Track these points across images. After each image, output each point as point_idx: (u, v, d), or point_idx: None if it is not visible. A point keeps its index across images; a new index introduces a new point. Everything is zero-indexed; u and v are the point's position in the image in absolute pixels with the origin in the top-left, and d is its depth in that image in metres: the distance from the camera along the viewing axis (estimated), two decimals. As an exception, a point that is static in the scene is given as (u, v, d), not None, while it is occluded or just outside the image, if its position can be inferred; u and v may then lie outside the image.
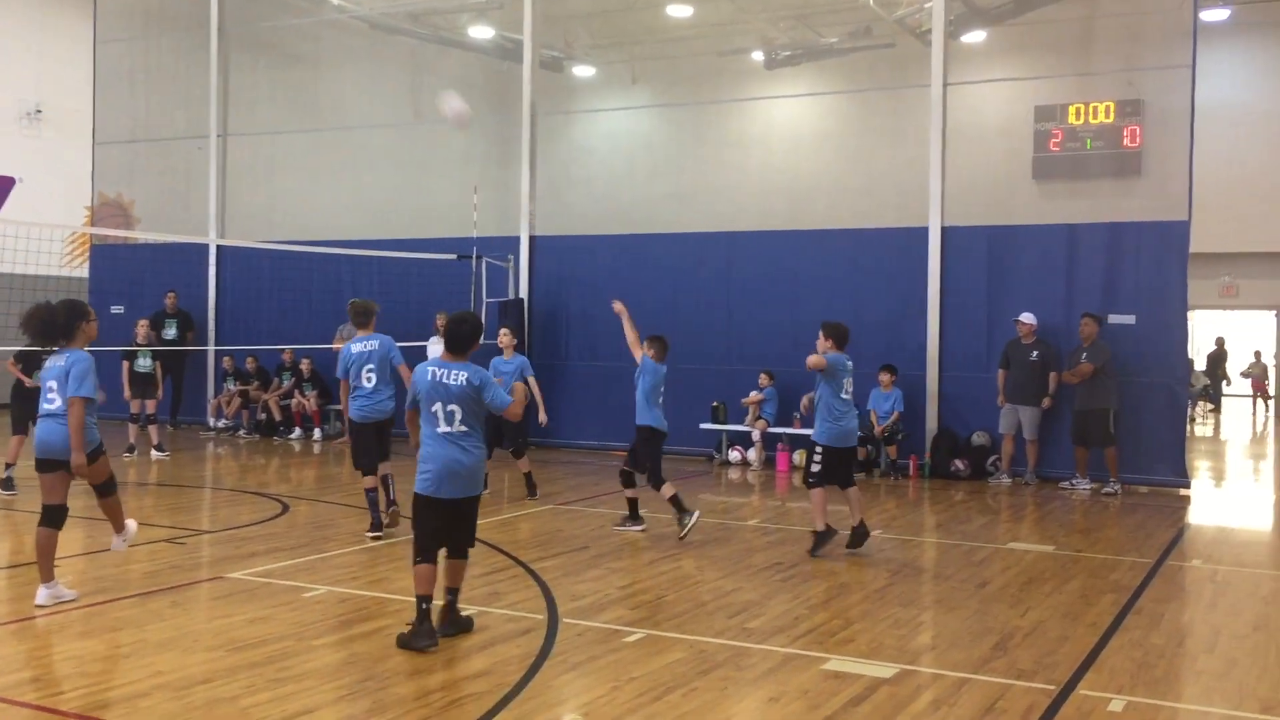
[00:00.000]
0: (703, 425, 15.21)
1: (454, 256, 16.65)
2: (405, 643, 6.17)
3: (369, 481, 9.54)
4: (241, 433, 17.69)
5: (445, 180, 17.82)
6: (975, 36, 15.41)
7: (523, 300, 16.82)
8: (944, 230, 14.43)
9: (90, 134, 20.75)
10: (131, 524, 7.56)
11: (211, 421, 18.41)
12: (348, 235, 17.77)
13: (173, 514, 10.56)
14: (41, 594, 6.97)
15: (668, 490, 9.68)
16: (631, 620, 6.96)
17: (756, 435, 14.77)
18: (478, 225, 16.55)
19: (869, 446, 14.21)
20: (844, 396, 9.36)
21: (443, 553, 6.47)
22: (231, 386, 18.15)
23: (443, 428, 6.32)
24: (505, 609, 7.19)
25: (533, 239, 17.01)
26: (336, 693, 5.50)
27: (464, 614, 6.62)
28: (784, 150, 15.90)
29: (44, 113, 22.80)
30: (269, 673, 5.76)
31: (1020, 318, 13.48)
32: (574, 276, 16.69)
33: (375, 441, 9.56)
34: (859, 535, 9.20)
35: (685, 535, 9.49)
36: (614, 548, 9.31)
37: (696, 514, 9.63)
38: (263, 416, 17.71)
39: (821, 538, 9.06)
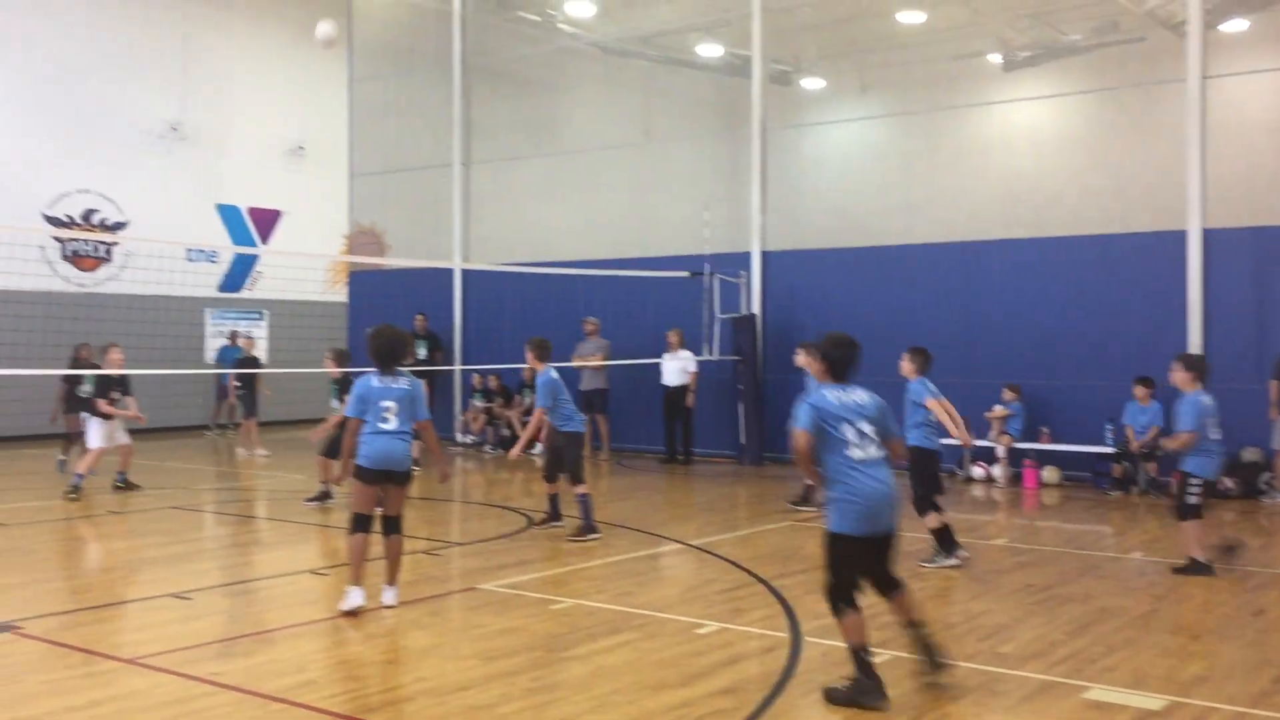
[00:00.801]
0: (944, 440, 14.73)
1: (687, 274, 16.83)
2: None
3: (582, 489, 10.36)
4: (486, 448, 18.39)
5: (677, 198, 18.06)
6: (1236, 25, 14.43)
7: (755, 315, 16.81)
8: (1205, 233, 13.55)
9: (347, 167, 22.14)
10: None
11: (458, 437, 19.24)
12: (583, 255, 18.25)
13: (429, 526, 11.08)
14: (358, 596, 7.38)
15: (933, 521, 9.05)
16: (876, 641, 6.75)
17: (1001, 451, 14.23)
18: (709, 242, 16.69)
19: (1126, 463, 13.46)
20: (1214, 431, 8.88)
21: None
22: (477, 403, 18.92)
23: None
24: (747, 626, 7.18)
25: (764, 254, 17.00)
26: (587, 703, 5.62)
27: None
28: (1025, 155, 15.30)
29: (305, 149, 24.49)
30: (522, 682, 5.94)
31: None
32: (807, 291, 16.57)
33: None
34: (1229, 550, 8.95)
35: (930, 566, 9.06)
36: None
37: (954, 559, 9.02)
38: (506, 432, 18.37)
39: (1200, 567, 8.70)
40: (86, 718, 5.38)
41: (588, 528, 10.25)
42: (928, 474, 9.17)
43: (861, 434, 5.80)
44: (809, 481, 11.38)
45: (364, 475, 7.52)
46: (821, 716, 5.55)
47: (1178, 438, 8.87)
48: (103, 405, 12.84)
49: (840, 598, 5.72)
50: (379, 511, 7.62)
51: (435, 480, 8.17)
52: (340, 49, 21.73)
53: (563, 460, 10.55)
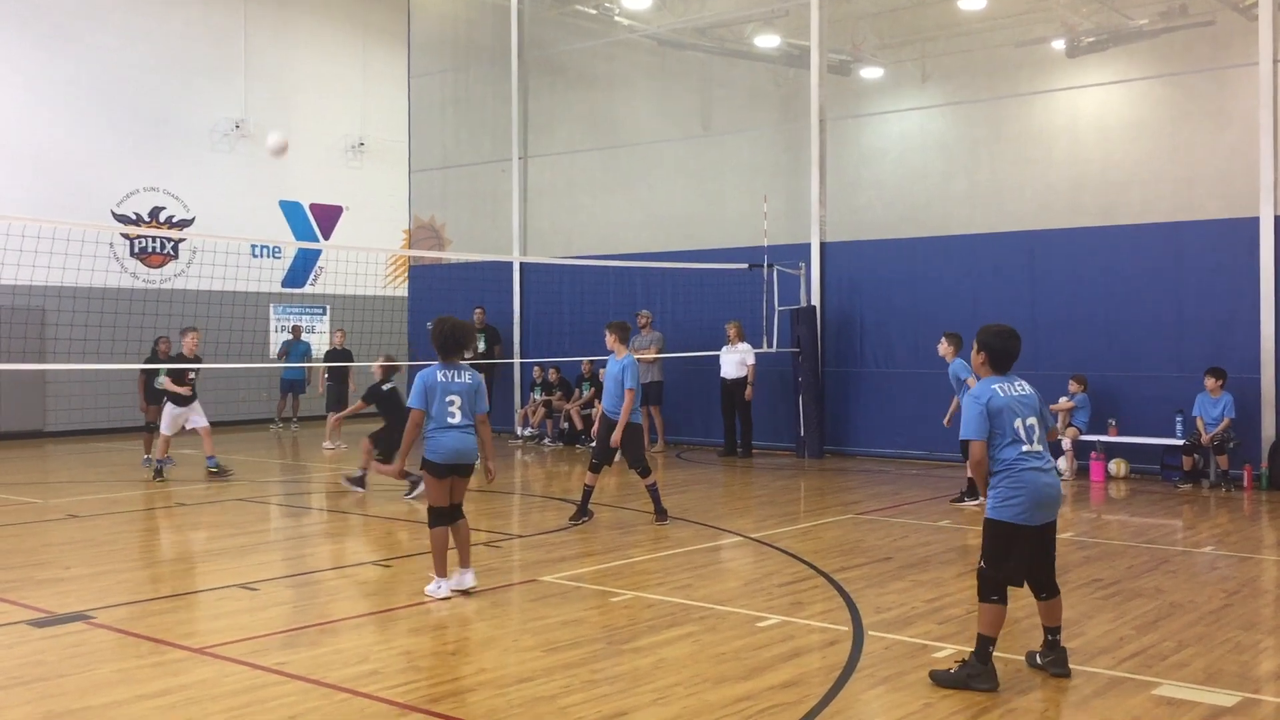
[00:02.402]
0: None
1: (745, 266, 16.76)
2: None
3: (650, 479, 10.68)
4: (546, 441, 18.47)
5: (735, 190, 17.98)
6: (1310, 5, 14.02)
7: (815, 307, 16.70)
8: (1278, 220, 13.24)
9: (406, 162, 22.33)
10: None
11: (518, 430, 19.34)
12: (641, 248, 18.25)
13: (488, 519, 11.14)
14: (445, 586, 7.63)
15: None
16: (940, 635, 6.73)
17: (1067, 444, 14.00)
18: (768, 234, 16.60)
19: (1196, 455, 13.20)
20: None
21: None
22: (537, 397, 19.00)
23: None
24: (809, 619, 7.13)
25: (823, 245, 16.88)
26: (649, 695, 5.61)
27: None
28: (1091, 142, 15.02)
29: (366, 145, 24.75)
30: (583, 674, 5.95)
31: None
32: (866, 282, 16.43)
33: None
34: None
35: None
36: (918, 559, 9.05)
37: None
38: (565, 426, 18.42)
39: None
40: (156, 706, 5.47)
41: (660, 512, 10.61)
42: None
43: (1029, 427, 5.77)
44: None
45: (436, 470, 7.60)
46: (884, 710, 5.49)
47: None
48: (169, 383, 13.51)
49: (992, 587, 5.75)
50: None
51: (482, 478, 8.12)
52: (397, 46, 21.86)
53: (627, 451, 10.55)
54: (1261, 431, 13.24)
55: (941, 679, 5.74)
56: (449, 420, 7.56)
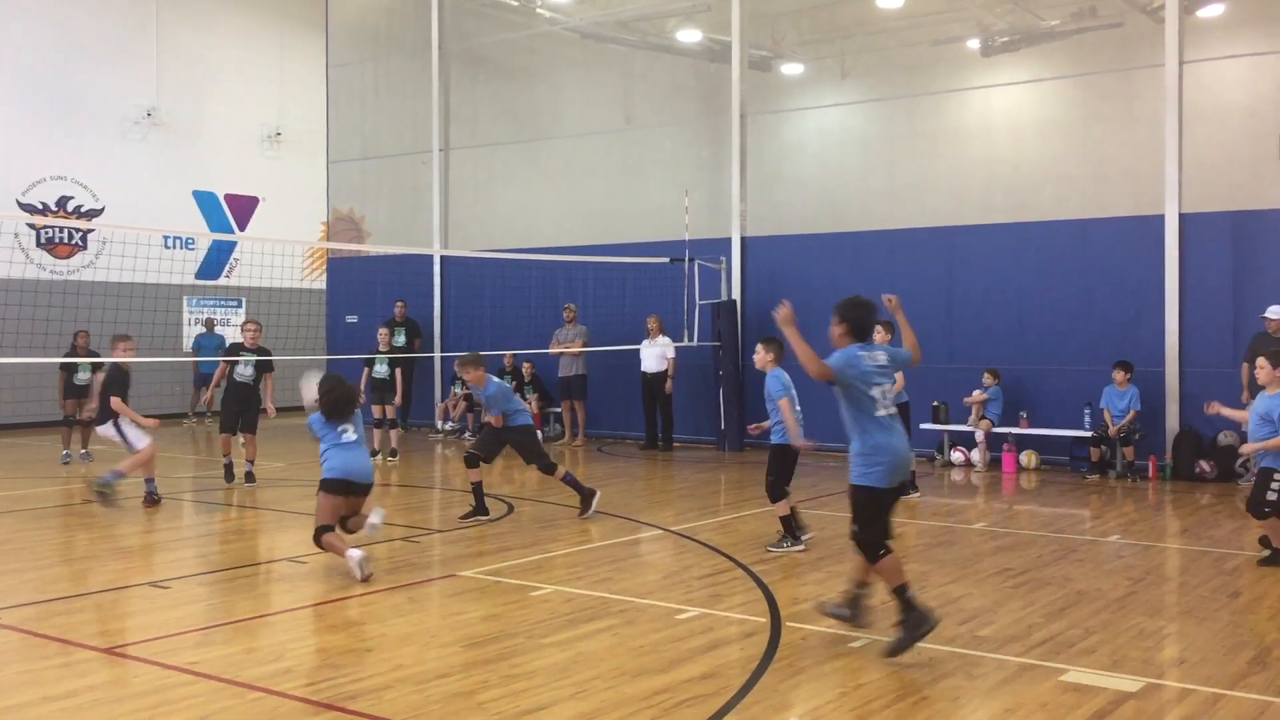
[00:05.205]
0: (923, 425, 14.83)
1: (667, 260, 16.81)
2: None
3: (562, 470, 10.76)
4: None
5: (657, 184, 18.02)
6: (1213, 10, 14.46)
7: (735, 301, 16.81)
8: (1182, 217, 13.64)
9: (325, 153, 22.00)
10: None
11: (439, 424, 19.19)
12: (563, 241, 18.21)
13: (407, 513, 11.05)
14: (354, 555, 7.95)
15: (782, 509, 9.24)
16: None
17: (980, 436, 14.29)
18: (689, 228, 16.66)
19: (1103, 447, 13.54)
20: None
21: None
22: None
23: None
24: (727, 611, 7.18)
25: (744, 240, 17.00)
26: (568, 690, 5.61)
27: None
28: (1005, 140, 15.32)
29: (283, 135, 24.32)
30: (502, 669, 5.93)
31: (1268, 312, 12.47)
32: (787, 276, 16.58)
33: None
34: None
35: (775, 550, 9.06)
36: (835, 551, 9.17)
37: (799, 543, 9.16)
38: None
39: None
40: (63, 708, 5.33)
41: (585, 496, 10.61)
42: None
43: (885, 393, 6.25)
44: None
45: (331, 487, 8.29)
46: (801, 700, 5.56)
47: (1271, 441, 8.43)
48: (117, 404, 11.49)
49: (879, 544, 6.18)
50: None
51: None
52: (315, 35, 21.59)
53: (527, 452, 10.67)
54: (1166, 423, 13.64)
55: (897, 647, 6.02)
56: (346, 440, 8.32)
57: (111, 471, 11.19)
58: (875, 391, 6.20)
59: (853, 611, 6.54)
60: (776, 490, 9.26)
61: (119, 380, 11.62)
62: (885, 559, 6.16)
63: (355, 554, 7.89)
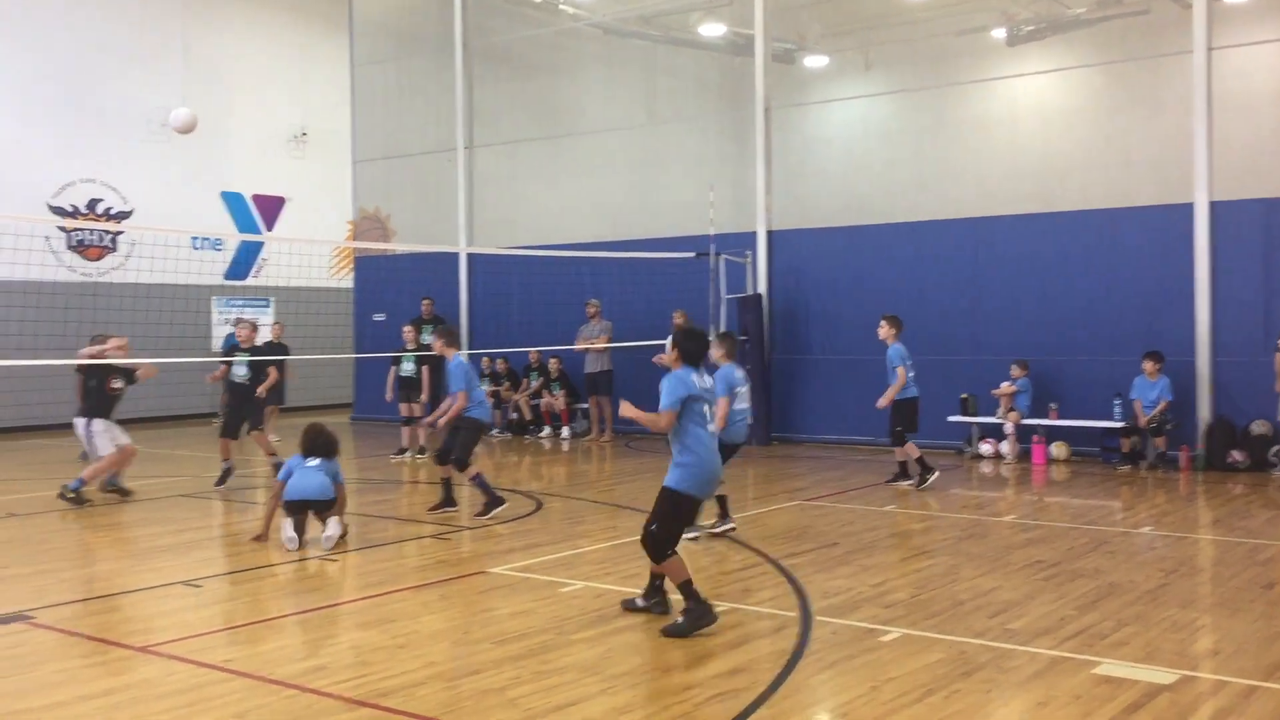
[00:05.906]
0: (951, 418, 14.78)
1: (692, 255, 16.79)
2: None
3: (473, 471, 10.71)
4: (494, 432, 18.39)
5: (681, 179, 18.01)
6: (1242, -5, 14.29)
7: (761, 295, 16.78)
8: (1212, 205, 13.51)
9: (350, 153, 22.10)
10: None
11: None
12: (588, 238, 18.23)
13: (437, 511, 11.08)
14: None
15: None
16: (887, 619, 6.82)
17: (1009, 428, 14.21)
18: (714, 222, 16.64)
19: (1134, 438, 13.44)
20: None
21: None
22: (485, 387, 18.89)
23: None
24: (757, 605, 7.18)
25: (770, 234, 16.97)
26: (598, 686, 5.62)
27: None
28: (1031, 130, 15.21)
29: (309, 135, 24.45)
30: (533, 665, 5.95)
31: (1301, 297, 12.38)
32: (812, 270, 16.55)
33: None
34: None
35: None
36: (864, 544, 9.15)
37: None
38: (514, 416, 18.36)
39: None
40: (100, 705, 5.40)
41: (494, 501, 10.49)
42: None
43: (711, 413, 6.84)
44: (901, 459, 12.21)
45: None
46: (831, 695, 5.56)
47: None
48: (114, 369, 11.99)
49: (669, 546, 6.71)
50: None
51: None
52: (339, 35, 21.62)
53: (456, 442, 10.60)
54: (1197, 413, 13.53)
55: (674, 631, 6.46)
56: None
57: (76, 479, 11.67)
58: (706, 409, 6.75)
59: (653, 600, 6.97)
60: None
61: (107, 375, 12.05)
62: (671, 559, 6.66)
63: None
